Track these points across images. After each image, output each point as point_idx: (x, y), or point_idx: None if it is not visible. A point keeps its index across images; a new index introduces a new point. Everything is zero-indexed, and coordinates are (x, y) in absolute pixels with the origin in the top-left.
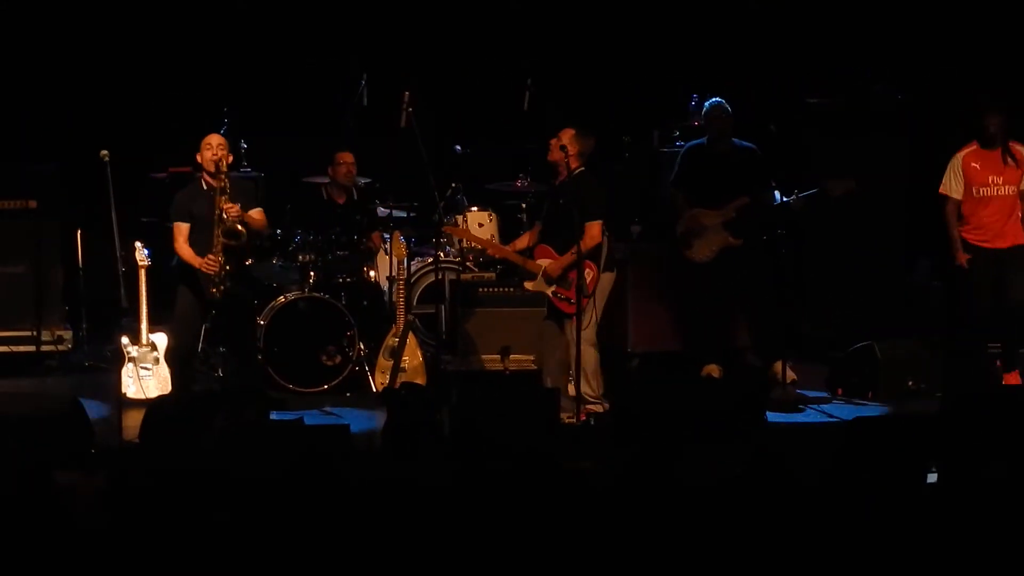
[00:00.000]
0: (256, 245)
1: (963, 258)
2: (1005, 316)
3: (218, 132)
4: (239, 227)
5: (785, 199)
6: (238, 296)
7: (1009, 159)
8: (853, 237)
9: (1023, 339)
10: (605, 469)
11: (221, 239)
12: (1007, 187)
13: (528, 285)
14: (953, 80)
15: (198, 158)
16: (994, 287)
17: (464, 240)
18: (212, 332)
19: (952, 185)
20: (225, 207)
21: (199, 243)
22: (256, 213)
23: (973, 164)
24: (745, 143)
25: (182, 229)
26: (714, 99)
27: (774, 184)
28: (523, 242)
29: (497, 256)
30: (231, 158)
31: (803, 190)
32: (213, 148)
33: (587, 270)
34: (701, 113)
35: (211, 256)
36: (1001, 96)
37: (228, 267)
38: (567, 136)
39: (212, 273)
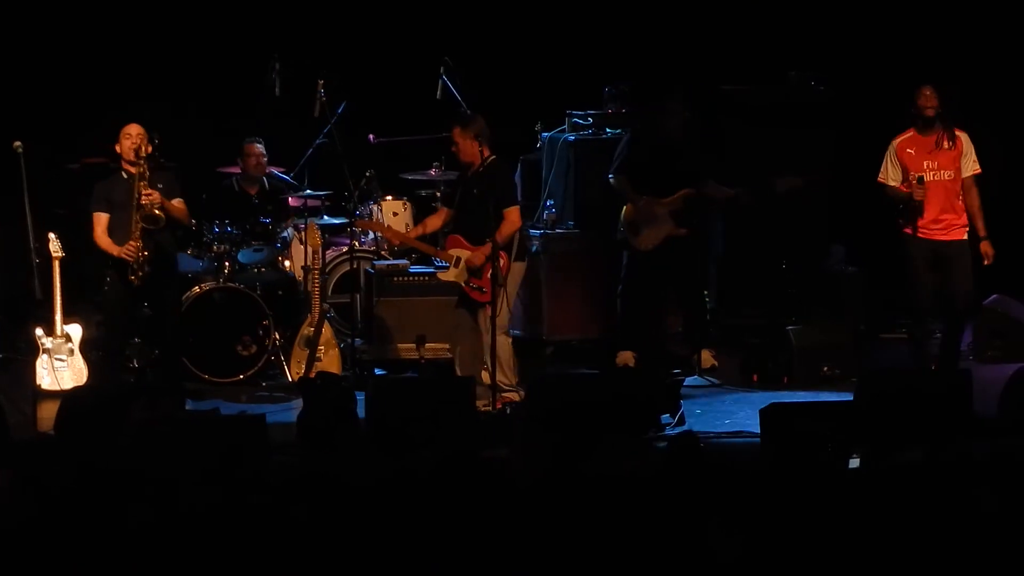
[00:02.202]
0: (179, 236)
1: (907, 189)
2: (947, 309)
3: (137, 122)
4: (157, 212)
5: (729, 192)
6: (163, 291)
7: (946, 143)
8: (768, 224)
9: (963, 331)
10: (522, 460)
11: (140, 224)
12: (943, 171)
13: (441, 276)
14: (873, 71)
15: (117, 148)
16: (935, 280)
17: (378, 233)
18: (137, 324)
19: (889, 173)
20: (144, 192)
21: (119, 232)
22: (178, 203)
23: (908, 150)
24: (692, 134)
25: (100, 219)
26: (673, 91)
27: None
28: (426, 226)
29: (411, 245)
30: (150, 148)
31: (723, 180)
32: (132, 137)
33: (499, 259)
34: (607, 100)
35: (130, 243)
36: (940, 79)
37: (146, 252)
38: (457, 134)
39: (131, 259)
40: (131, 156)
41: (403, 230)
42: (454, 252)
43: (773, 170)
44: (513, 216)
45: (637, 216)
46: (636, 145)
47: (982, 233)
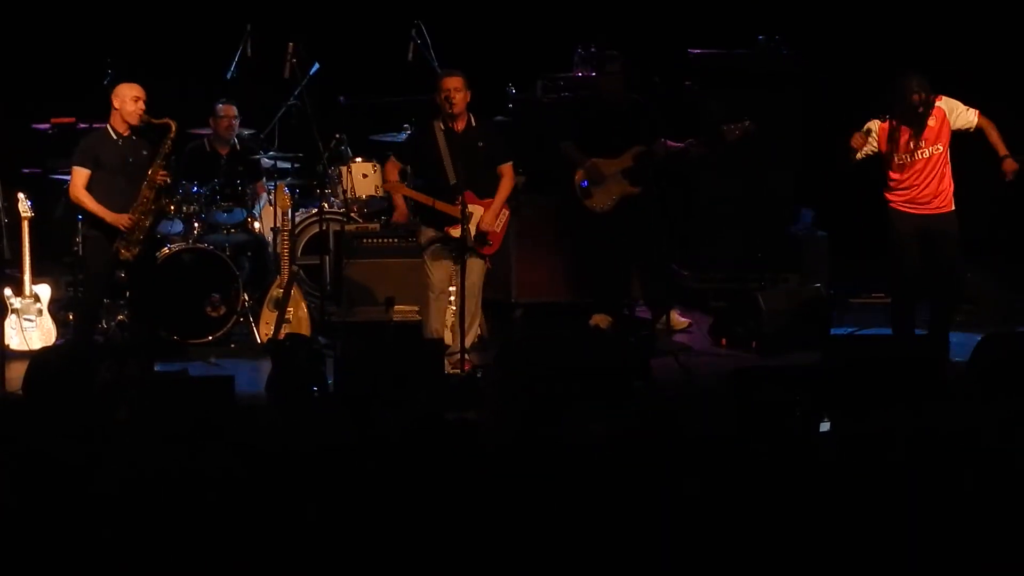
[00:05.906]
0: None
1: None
2: (933, 283)
3: (134, 82)
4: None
5: (680, 145)
6: (145, 256)
7: (931, 120)
8: (736, 187)
9: (953, 299)
10: (492, 423)
11: (150, 203)
12: (932, 147)
13: (453, 231)
14: (842, 36)
15: (115, 105)
16: (920, 252)
17: (394, 194)
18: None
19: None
20: (160, 173)
21: (103, 192)
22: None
23: (894, 133)
24: (635, 95)
25: (81, 174)
26: (610, 51)
27: (663, 137)
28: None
29: (414, 198)
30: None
31: (697, 139)
32: (142, 100)
33: (503, 212)
34: (577, 62)
35: (131, 217)
36: (922, 71)
37: (146, 229)
38: (464, 84)
39: (127, 232)
40: (136, 120)
41: (373, 192)
42: (471, 208)
43: (723, 120)
44: (511, 171)
45: (585, 179)
46: (583, 109)
47: (1003, 152)
